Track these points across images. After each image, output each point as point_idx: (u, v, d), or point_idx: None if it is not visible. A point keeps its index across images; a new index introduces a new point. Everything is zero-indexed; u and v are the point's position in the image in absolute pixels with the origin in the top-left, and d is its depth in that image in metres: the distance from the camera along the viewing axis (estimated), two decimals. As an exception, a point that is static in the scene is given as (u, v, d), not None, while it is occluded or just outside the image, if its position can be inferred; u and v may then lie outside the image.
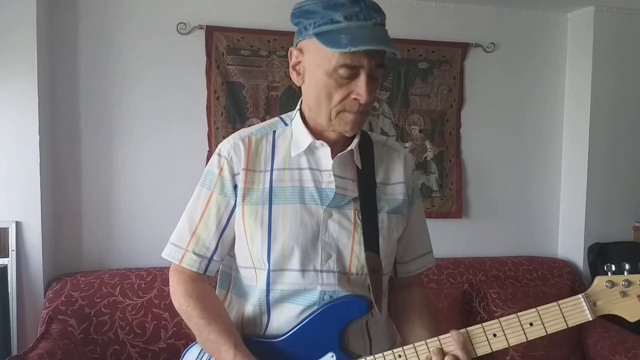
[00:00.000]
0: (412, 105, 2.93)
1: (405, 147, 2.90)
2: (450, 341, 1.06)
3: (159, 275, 2.44)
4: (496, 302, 2.66)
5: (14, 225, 2.33)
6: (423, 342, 1.08)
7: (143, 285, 2.42)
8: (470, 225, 3.06)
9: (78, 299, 2.34)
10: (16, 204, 2.34)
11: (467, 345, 1.06)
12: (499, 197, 3.10)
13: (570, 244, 3.12)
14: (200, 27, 2.64)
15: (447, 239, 2.96)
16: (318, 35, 1.06)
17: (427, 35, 2.92)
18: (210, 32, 2.65)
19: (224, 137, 2.61)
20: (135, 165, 2.63)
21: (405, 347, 1.09)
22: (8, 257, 2.33)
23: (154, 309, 2.37)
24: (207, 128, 2.68)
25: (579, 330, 2.69)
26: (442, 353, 1.05)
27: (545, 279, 2.90)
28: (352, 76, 1.06)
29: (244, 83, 2.70)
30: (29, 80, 2.32)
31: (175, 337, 2.34)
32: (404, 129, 2.93)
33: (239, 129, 2.74)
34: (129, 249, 2.62)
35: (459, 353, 1.04)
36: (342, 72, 1.06)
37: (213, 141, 2.66)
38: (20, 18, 2.30)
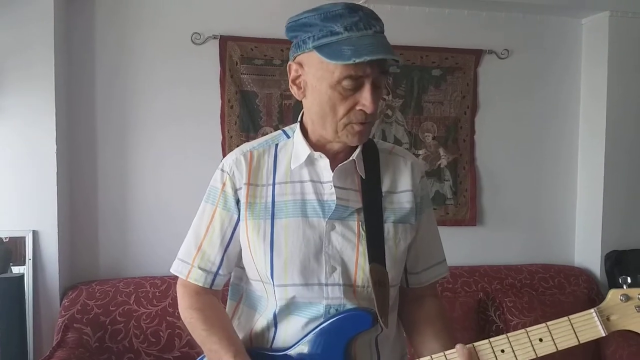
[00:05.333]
0: (425, 112, 2.92)
1: (419, 155, 2.89)
2: (456, 356, 1.04)
3: (174, 283, 2.41)
4: (512, 311, 2.63)
5: (30, 234, 2.36)
6: (428, 357, 1.06)
7: (157, 293, 2.44)
8: (485, 233, 3.04)
9: (93, 308, 2.35)
10: (33, 213, 2.37)
11: (475, 356, 1.03)
12: (513, 204, 3.07)
13: (586, 252, 3.08)
14: (215, 37, 2.66)
15: (461, 247, 2.93)
16: (319, 48, 1.04)
17: (440, 42, 2.92)
18: (224, 41, 2.67)
19: (238, 146, 2.64)
20: (150, 175, 2.65)
21: None
22: (25, 265, 2.35)
23: (168, 318, 2.38)
24: (221, 137, 2.70)
25: (597, 339, 2.65)
26: None
27: (562, 287, 2.86)
28: (356, 87, 1.05)
29: (258, 92, 2.72)
30: (46, 92, 2.36)
31: (189, 345, 2.35)
32: (417, 137, 2.91)
33: (252, 138, 2.78)
34: (144, 258, 2.63)
35: None
36: (346, 83, 1.04)
37: (227, 150, 2.68)
38: (38, 33, 2.34)
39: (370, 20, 1.05)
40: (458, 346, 1.05)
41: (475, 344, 1.05)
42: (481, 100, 3.01)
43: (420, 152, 2.91)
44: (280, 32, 2.84)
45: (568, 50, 3.09)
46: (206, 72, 2.67)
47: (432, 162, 2.93)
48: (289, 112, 2.74)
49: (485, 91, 3.01)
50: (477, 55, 2.97)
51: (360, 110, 1.06)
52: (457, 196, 2.98)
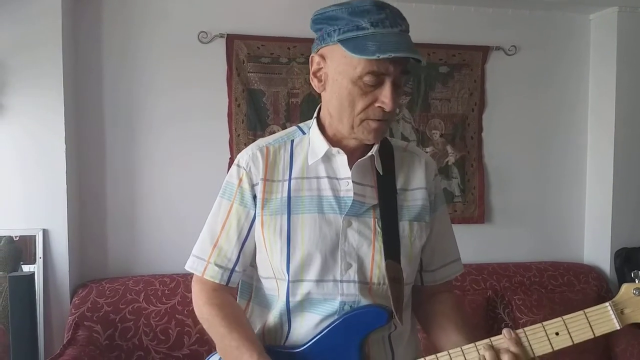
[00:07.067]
0: (432, 109, 2.91)
1: (427, 152, 2.88)
2: (502, 340, 1.05)
3: (182, 281, 2.46)
4: (521, 309, 2.62)
5: (41, 233, 2.38)
6: (472, 345, 1.06)
7: (167, 291, 2.45)
8: (494, 231, 3.03)
9: (103, 306, 2.37)
10: (43, 212, 2.39)
11: (521, 343, 1.04)
12: (522, 201, 3.06)
13: (596, 249, 3.06)
14: (221, 36, 2.67)
15: (469, 245, 2.89)
16: (343, 41, 1.05)
17: (448, 39, 2.91)
18: (231, 40, 2.68)
19: (245, 144, 2.66)
20: (159, 173, 2.66)
21: (451, 351, 1.07)
22: (35, 264, 2.38)
23: (177, 315, 2.39)
24: (228, 135, 2.70)
25: (607, 338, 2.64)
26: (494, 349, 1.03)
27: (571, 285, 2.85)
28: (377, 84, 1.05)
29: (265, 90, 2.72)
30: (55, 91, 2.37)
31: (198, 343, 2.36)
32: (425, 134, 2.91)
33: (259, 136, 2.79)
34: (153, 256, 2.65)
35: (513, 348, 1.03)
36: (368, 79, 1.04)
37: (234, 148, 2.69)
38: (45, 32, 2.35)
39: (396, 19, 1.06)
40: (505, 330, 1.05)
41: (493, 338, 1.05)
42: (489, 97, 3.00)
43: (428, 149, 2.90)
44: (286, 30, 2.87)
45: (576, 46, 3.07)
46: (213, 71, 2.68)
47: (439, 160, 2.92)
48: (296, 110, 2.75)
49: (493, 88, 2.99)
50: (484, 51, 2.95)
51: (379, 107, 1.07)
52: (465, 194, 2.97)
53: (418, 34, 2.81)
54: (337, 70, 1.08)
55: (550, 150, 3.08)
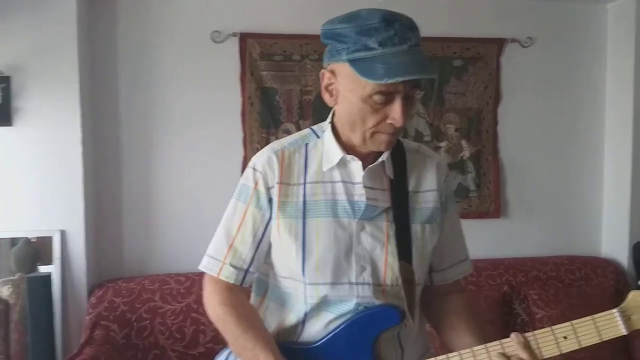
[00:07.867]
0: (447, 103, 2.88)
1: (441, 147, 2.86)
2: (511, 344, 1.07)
3: (197, 280, 2.47)
4: (537, 304, 2.59)
5: (58, 234, 2.40)
6: (483, 346, 1.08)
7: (182, 290, 2.46)
8: (509, 225, 3.00)
9: (120, 305, 2.39)
10: (60, 213, 2.41)
11: (530, 346, 1.06)
12: (538, 195, 3.02)
13: (614, 243, 3.02)
14: (234, 35, 2.66)
15: (485, 240, 2.90)
16: (352, 62, 1.05)
17: (461, 32, 2.87)
18: (244, 39, 2.67)
19: (259, 143, 2.66)
20: (173, 173, 2.68)
21: (462, 352, 1.09)
22: (53, 264, 2.40)
23: (192, 314, 2.40)
24: (242, 134, 2.70)
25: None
26: (505, 357, 1.06)
27: (589, 279, 2.82)
28: (387, 101, 1.06)
29: (278, 88, 2.71)
30: (71, 93, 2.39)
31: (213, 341, 2.37)
32: (439, 129, 2.88)
33: (273, 134, 2.78)
34: (168, 255, 2.66)
35: (523, 354, 1.05)
36: (377, 98, 1.05)
37: (248, 147, 2.69)
38: (62, 36, 2.37)
39: (405, 33, 1.04)
40: (513, 334, 1.08)
41: (503, 340, 1.08)
42: (504, 90, 2.96)
43: (442, 144, 2.87)
44: (299, 28, 2.85)
45: (593, 36, 3.01)
46: (226, 70, 2.68)
47: (454, 154, 2.90)
48: (309, 107, 2.74)
49: (508, 81, 2.95)
50: (499, 44, 2.91)
51: (390, 123, 1.08)
52: (481, 188, 2.94)
53: (431, 27, 2.82)
54: (347, 88, 1.09)
55: (567, 143, 3.04)
